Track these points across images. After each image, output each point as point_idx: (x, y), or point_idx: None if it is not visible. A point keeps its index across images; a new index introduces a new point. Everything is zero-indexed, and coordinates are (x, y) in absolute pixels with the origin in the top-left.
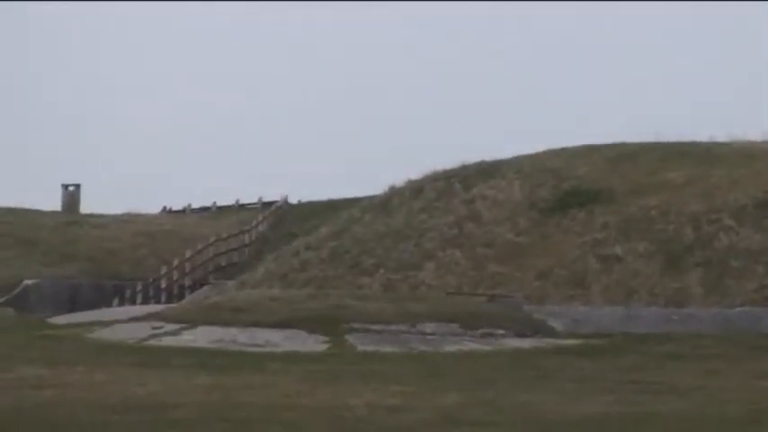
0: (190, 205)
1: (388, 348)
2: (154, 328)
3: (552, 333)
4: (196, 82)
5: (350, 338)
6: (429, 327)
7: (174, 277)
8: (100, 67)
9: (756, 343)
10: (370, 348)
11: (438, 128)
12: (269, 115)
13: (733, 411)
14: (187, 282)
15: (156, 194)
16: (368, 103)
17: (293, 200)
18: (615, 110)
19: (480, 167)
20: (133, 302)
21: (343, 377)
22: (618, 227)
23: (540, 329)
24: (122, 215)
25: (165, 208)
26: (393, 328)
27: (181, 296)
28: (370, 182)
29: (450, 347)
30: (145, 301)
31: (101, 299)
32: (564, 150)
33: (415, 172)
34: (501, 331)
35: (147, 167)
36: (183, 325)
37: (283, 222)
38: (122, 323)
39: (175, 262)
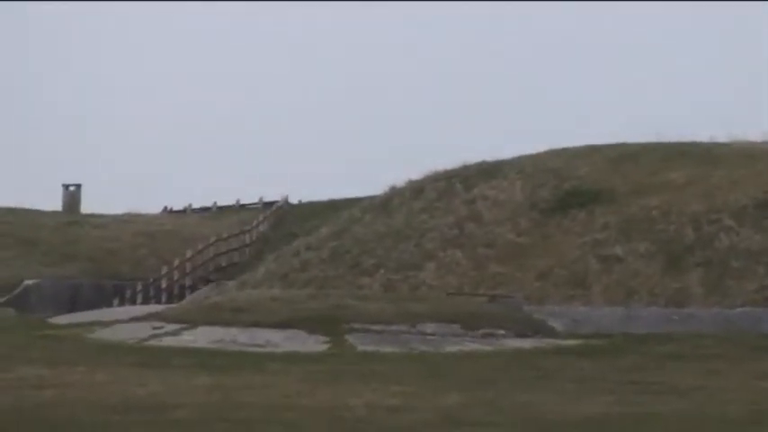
0: (190, 205)
1: (388, 348)
2: (154, 329)
3: (552, 333)
4: (196, 82)
5: (350, 339)
6: (429, 327)
7: (175, 277)
8: (100, 67)
9: (757, 343)
10: (370, 348)
11: (438, 128)
12: (269, 115)
13: (733, 412)
14: (187, 282)
15: (157, 194)
16: (368, 103)
17: (294, 200)
18: (615, 110)
19: (481, 168)
20: (133, 302)
21: (343, 377)
22: (618, 227)
23: (540, 330)
24: (123, 215)
25: (165, 208)
26: (393, 328)
27: (181, 296)
28: (370, 182)
29: (451, 348)
30: (145, 302)
31: (101, 299)
32: (565, 150)
33: (416, 172)
34: (501, 331)
35: (147, 167)
36: (184, 325)
37: (284, 222)
38: (123, 323)
39: (176, 262)
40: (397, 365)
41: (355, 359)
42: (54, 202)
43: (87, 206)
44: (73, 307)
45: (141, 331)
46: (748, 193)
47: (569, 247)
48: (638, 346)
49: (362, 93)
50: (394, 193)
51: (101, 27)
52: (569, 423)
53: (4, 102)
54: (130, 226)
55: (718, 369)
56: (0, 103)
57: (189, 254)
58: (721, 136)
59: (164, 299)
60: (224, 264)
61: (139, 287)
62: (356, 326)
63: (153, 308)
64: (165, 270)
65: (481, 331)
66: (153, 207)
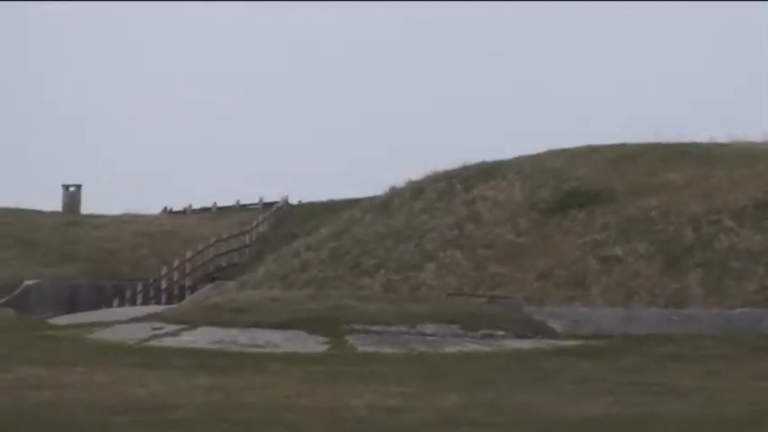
0: (190, 206)
1: (388, 349)
2: (154, 329)
3: (552, 334)
4: (196, 82)
5: (350, 339)
6: (429, 328)
7: (175, 278)
8: (100, 67)
9: (756, 344)
10: (370, 349)
11: (438, 128)
12: (269, 115)
13: (733, 412)
14: (187, 282)
15: (157, 195)
16: (368, 103)
17: (294, 200)
18: (615, 110)
19: (481, 168)
20: (133, 303)
21: (343, 378)
22: (618, 228)
23: (540, 330)
24: (122, 215)
25: (165, 208)
26: (393, 329)
27: (181, 297)
28: (370, 182)
29: (451, 348)
30: (145, 302)
31: (101, 299)
32: (564, 151)
33: (416, 172)
34: (501, 332)
35: (147, 167)
36: (184, 326)
37: (284, 223)
38: (122, 324)
39: (176, 262)
40: (397, 366)
41: (355, 360)
42: (54, 203)
43: (87, 206)
44: (72, 307)
45: (141, 332)
46: (748, 194)
47: (569, 247)
48: (637, 346)
49: (362, 93)
50: (394, 193)
51: (101, 27)
52: (569, 424)
53: (4, 102)
54: (130, 226)
55: (717, 370)
56: (0, 103)
57: (189, 254)
58: (721, 136)
59: (163, 299)
60: (224, 264)
61: (139, 288)
62: (356, 326)
63: (153, 308)
64: (164, 270)
65: (481, 332)
66: (153, 207)
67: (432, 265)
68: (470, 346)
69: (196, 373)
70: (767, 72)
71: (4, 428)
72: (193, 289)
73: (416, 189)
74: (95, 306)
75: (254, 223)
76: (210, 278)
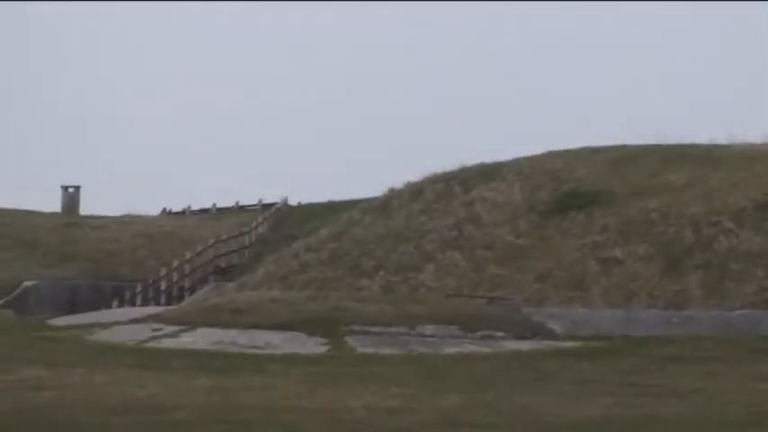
0: (189, 207)
1: (387, 350)
2: (153, 330)
3: (552, 335)
4: (196, 82)
5: (349, 340)
6: (428, 329)
7: (174, 279)
8: (100, 67)
9: (756, 345)
10: (369, 350)
11: (438, 128)
12: (269, 115)
13: (732, 414)
14: (187, 283)
15: (156, 195)
16: (368, 103)
17: (293, 201)
18: (615, 110)
19: (480, 169)
20: (133, 304)
21: (342, 379)
22: (617, 229)
23: (539, 331)
24: (122, 216)
25: (164, 209)
26: (392, 330)
27: (180, 298)
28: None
29: (450, 349)
30: (144, 303)
31: (100, 300)
32: (564, 152)
33: (415, 174)
34: (500, 333)
35: (147, 168)
36: (183, 327)
37: (283, 224)
38: (122, 325)
39: (175, 263)
40: (397, 367)
41: (355, 361)
42: (53, 204)
43: (86, 207)
44: (72, 308)
45: (140, 333)
46: (748, 195)
47: (568, 248)
48: (637, 348)
49: (362, 93)
50: (393, 194)
51: (101, 27)
52: (569, 425)
53: (4, 102)
54: (130, 227)
55: (717, 371)
56: (0, 103)
57: (188, 255)
58: (721, 137)
59: (163, 300)
60: (223, 265)
61: (139, 289)
62: (356, 328)
63: (152, 309)
64: (164, 271)
65: (480, 333)
66: (152, 208)
67: (431, 266)
68: (470, 348)
69: (195, 374)
70: (767, 72)
71: (4, 429)
72: (193, 290)
73: (415, 190)
74: (95, 307)
75: (254, 224)
76: (210, 279)
